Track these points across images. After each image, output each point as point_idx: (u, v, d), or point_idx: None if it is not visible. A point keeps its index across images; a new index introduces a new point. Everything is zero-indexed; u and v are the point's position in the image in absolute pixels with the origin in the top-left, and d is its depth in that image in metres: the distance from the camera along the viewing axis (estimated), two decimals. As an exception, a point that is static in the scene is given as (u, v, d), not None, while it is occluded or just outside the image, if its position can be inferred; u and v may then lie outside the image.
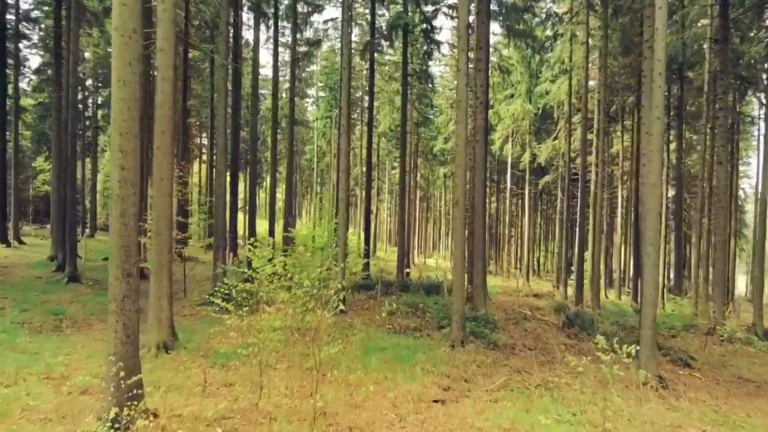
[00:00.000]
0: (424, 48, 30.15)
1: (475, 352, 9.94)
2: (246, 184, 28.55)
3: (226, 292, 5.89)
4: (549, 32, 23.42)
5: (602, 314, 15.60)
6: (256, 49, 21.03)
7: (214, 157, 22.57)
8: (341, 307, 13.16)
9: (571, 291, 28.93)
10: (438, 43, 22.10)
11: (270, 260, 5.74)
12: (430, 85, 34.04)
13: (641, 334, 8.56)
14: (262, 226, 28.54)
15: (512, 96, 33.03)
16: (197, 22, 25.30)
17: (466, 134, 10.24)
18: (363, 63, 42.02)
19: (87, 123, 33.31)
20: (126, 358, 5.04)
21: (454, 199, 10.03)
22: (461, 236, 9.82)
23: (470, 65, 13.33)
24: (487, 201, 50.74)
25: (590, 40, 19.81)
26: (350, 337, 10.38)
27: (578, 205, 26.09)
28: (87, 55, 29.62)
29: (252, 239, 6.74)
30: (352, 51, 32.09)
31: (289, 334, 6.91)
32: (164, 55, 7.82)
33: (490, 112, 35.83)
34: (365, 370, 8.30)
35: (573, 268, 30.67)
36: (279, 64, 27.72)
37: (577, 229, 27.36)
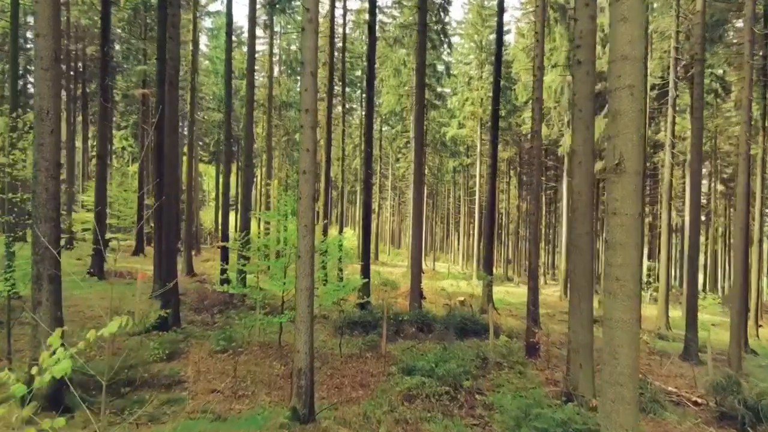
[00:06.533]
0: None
1: None
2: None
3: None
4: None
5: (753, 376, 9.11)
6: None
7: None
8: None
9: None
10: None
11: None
12: (446, 51, 27.72)
13: None
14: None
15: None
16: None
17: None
18: (363, 38, 35.85)
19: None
20: None
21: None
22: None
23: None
24: (498, 195, 44.21)
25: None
26: None
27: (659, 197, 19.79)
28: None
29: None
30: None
31: None
32: None
33: (519, 84, 29.41)
34: None
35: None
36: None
37: (673, 229, 20.91)
